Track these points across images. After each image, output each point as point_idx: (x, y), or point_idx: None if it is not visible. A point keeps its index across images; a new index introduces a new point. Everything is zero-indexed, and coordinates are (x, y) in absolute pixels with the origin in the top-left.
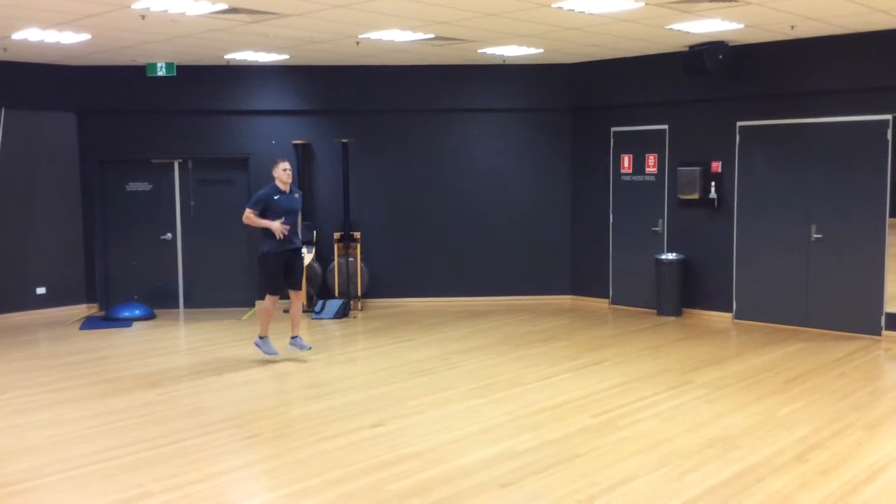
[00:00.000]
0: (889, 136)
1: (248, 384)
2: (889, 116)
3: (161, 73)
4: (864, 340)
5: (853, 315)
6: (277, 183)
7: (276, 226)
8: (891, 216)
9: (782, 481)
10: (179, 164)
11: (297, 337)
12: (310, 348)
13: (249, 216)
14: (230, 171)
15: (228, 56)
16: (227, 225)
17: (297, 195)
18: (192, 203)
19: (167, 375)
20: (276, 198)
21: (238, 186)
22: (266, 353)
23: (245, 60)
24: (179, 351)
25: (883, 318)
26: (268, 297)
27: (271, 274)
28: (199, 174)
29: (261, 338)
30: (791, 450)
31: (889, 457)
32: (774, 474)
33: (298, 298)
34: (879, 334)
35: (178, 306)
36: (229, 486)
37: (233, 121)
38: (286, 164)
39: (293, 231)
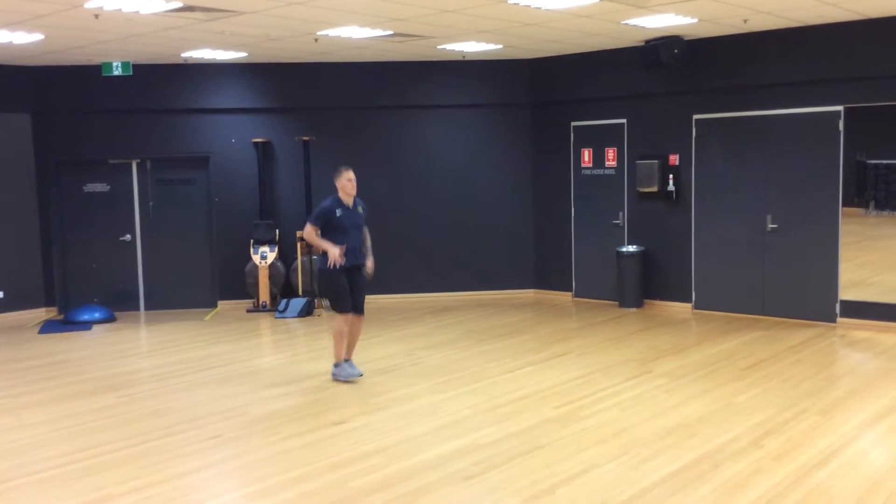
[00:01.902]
0: (841, 127)
1: (210, 385)
2: (841, 107)
3: (117, 72)
4: (819, 328)
5: (809, 303)
6: (341, 195)
7: (335, 254)
8: (844, 206)
9: (738, 467)
10: (137, 164)
11: (349, 361)
12: (361, 374)
13: (311, 234)
14: (190, 171)
15: (185, 54)
16: (188, 225)
17: (360, 209)
18: (152, 203)
19: (128, 378)
20: (338, 213)
21: (198, 186)
22: (347, 377)
23: (203, 58)
24: (141, 353)
25: (838, 306)
26: (338, 317)
27: (337, 290)
28: (158, 174)
29: (336, 365)
30: (747, 436)
31: (842, 441)
32: (730, 460)
33: (361, 322)
34: (834, 321)
35: (138, 308)
36: (192, 487)
37: (191, 119)
38: (351, 174)
39: (358, 247)
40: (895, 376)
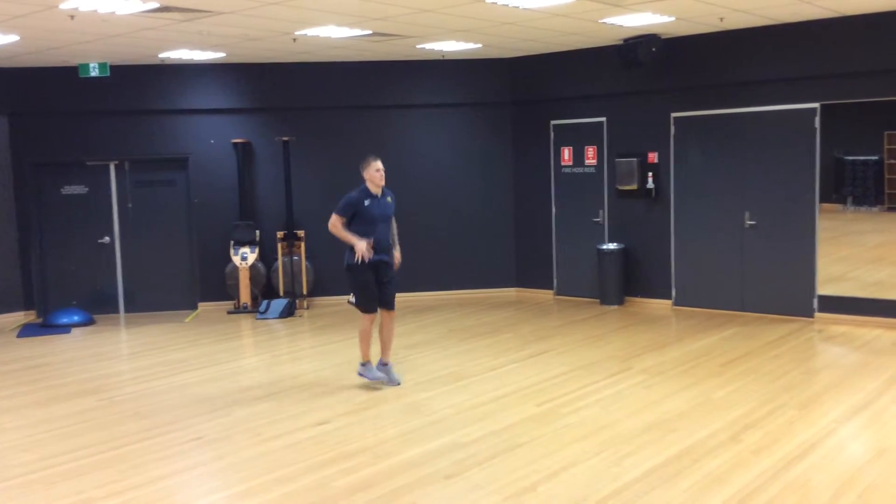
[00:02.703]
0: (817, 124)
1: (191, 387)
2: (817, 104)
3: (94, 73)
4: (797, 323)
5: (787, 298)
6: (369, 185)
7: (362, 247)
8: (822, 202)
9: (717, 461)
10: (116, 165)
11: (388, 365)
12: (399, 383)
13: (336, 224)
14: (169, 172)
15: (163, 55)
16: (168, 226)
17: (389, 198)
18: (130, 205)
19: (108, 381)
20: (366, 203)
21: (177, 187)
22: (372, 378)
23: (180, 59)
24: (120, 356)
25: (815, 301)
26: (363, 316)
27: (363, 288)
28: (137, 175)
29: (363, 364)
30: (726, 431)
31: (819, 434)
32: (710, 455)
33: (391, 318)
34: (812, 316)
35: (118, 311)
36: (172, 490)
37: (170, 120)
38: (379, 164)
39: (386, 240)
40: (872, 370)
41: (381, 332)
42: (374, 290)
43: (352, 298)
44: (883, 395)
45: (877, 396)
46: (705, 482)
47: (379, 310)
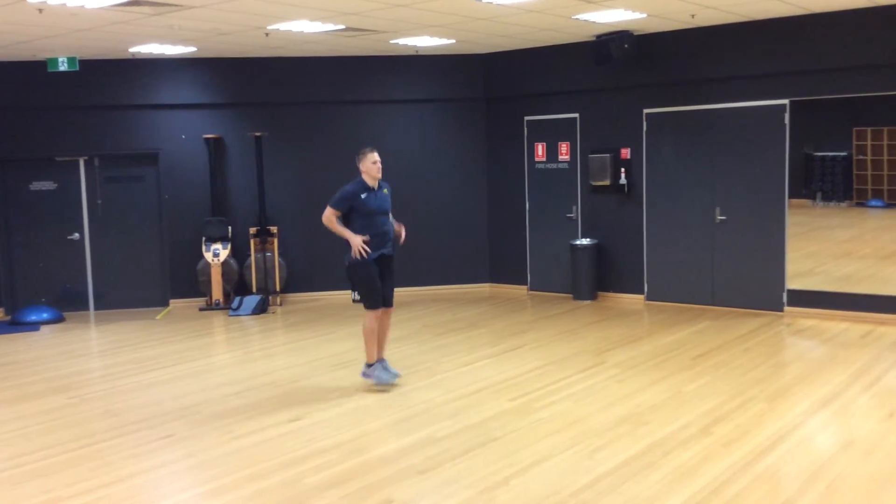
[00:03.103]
0: (786, 120)
1: (162, 385)
2: (786, 101)
3: (63, 67)
4: (767, 317)
5: (757, 293)
6: (365, 178)
7: (357, 243)
8: (791, 197)
9: (688, 454)
10: (85, 161)
11: (383, 360)
12: (399, 375)
13: (331, 218)
14: (139, 168)
15: (133, 49)
16: (138, 223)
17: (386, 190)
18: (100, 201)
19: (78, 379)
20: (363, 196)
21: (148, 183)
22: (379, 381)
23: (151, 53)
24: (90, 354)
25: (785, 295)
26: (369, 313)
27: (367, 285)
28: (107, 171)
29: (368, 365)
30: (697, 424)
31: (788, 427)
32: (680, 448)
33: (389, 316)
34: (782, 310)
35: (87, 308)
36: (143, 488)
37: (140, 115)
38: (376, 156)
39: (385, 233)
40: (840, 363)
41: (378, 330)
42: (378, 286)
43: (356, 296)
44: (850, 388)
45: (844, 389)
46: (676, 474)
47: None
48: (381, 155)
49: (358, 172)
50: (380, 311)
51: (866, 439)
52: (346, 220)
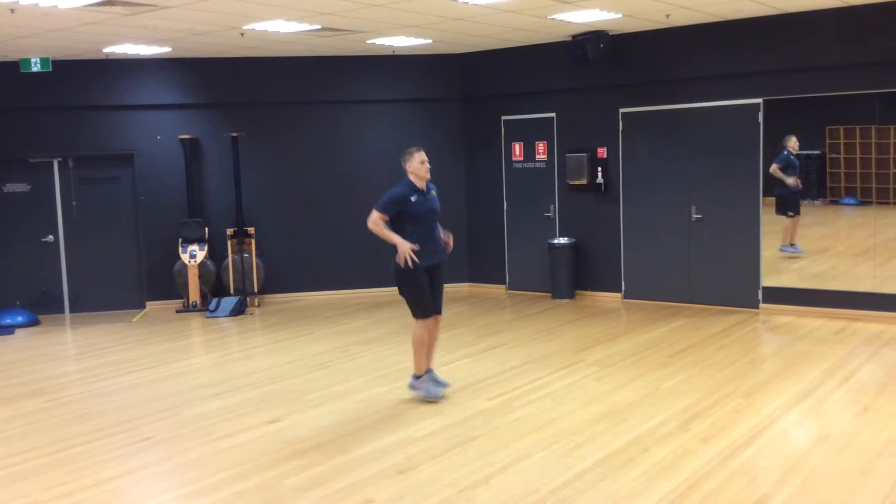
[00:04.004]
0: (760, 119)
1: (140, 387)
2: (760, 100)
3: (36, 68)
4: (743, 314)
5: (733, 290)
6: (412, 178)
7: (406, 249)
8: (765, 196)
9: (666, 450)
10: (59, 162)
11: (430, 371)
12: (447, 385)
13: (378, 222)
14: (114, 169)
15: (107, 49)
16: (114, 224)
17: (434, 192)
18: (75, 203)
19: (54, 382)
20: (412, 199)
21: (123, 184)
22: (427, 394)
23: (126, 54)
24: (66, 357)
25: (760, 292)
26: (418, 323)
27: (417, 294)
28: (81, 172)
29: (416, 377)
30: (674, 420)
31: (765, 422)
32: (659, 444)
33: (438, 324)
34: (757, 307)
35: (63, 311)
36: (121, 491)
37: (115, 116)
38: (423, 155)
39: (436, 239)
40: (815, 359)
41: (427, 339)
42: (428, 295)
43: (405, 304)
44: (825, 383)
45: (819, 384)
46: (654, 470)
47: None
48: (358, 155)
49: (403, 173)
50: (430, 321)
51: (841, 434)
52: (392, 225)
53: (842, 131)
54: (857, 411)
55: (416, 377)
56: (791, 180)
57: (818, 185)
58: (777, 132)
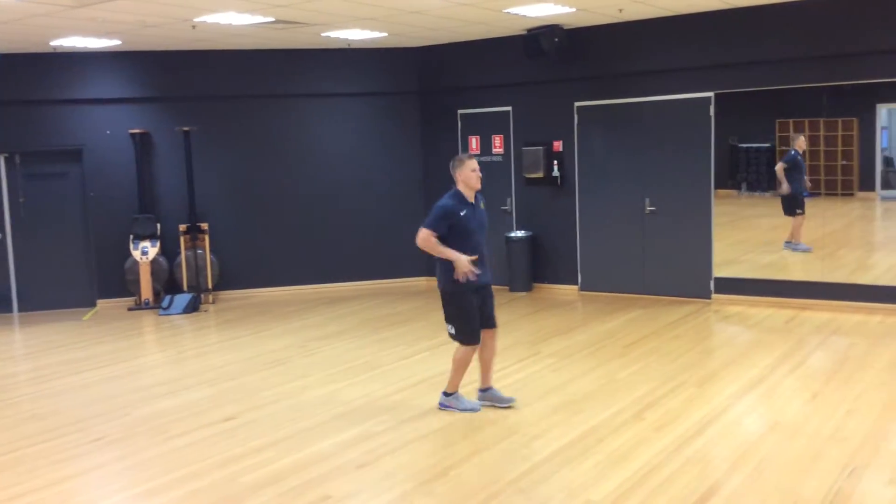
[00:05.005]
0: (712, 112)
1: (92, 386)
2: (711, 93)
3: None
4: (696, 304)
5: (686, 281)
6: (462, 189)
7: (464, 263)
8: (717, 188)
9: (621, 439)
10: (6, 158)
11: (490, 389)
12: (512, 401)
13: (428, 240)
14: (63, 164)
15: (55, 42)
16: (63, 221)
17: (483, 204)
18: (23, 199)
19: (3, 382)
20: (462, 213)
21: (72, 180)
22: (464, 410)
23: (74, 47)
24: (16, 356)
25: (712, 283)
26: (462, 349)
27: (466, 317)
28: (29, 168)
29: (447, 394)
30: (629, 409)
31: (716, 410)
32: (614, 433)
33: (495, 337)
34: (709, 298)
35: (11, 310)
36: (74, 492)
37: (63, 111)
38: (475, 163)
39: (484, 256)
40: (765, 347)
41: (481, 354)
42: (478, 319)
43: (451, 330)
44: (775, 371)
45: (770, 372)
46: (610, 460)
47: (483, 332)
48: (314, 150)
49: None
50: (477, 346)
51: (791, 421)
52: (440, 240)
53: (791, 124)
54: (806, 398)
55: (447, 394)
56: (784, 187)
57: (768, 177)
58: (727, 126)
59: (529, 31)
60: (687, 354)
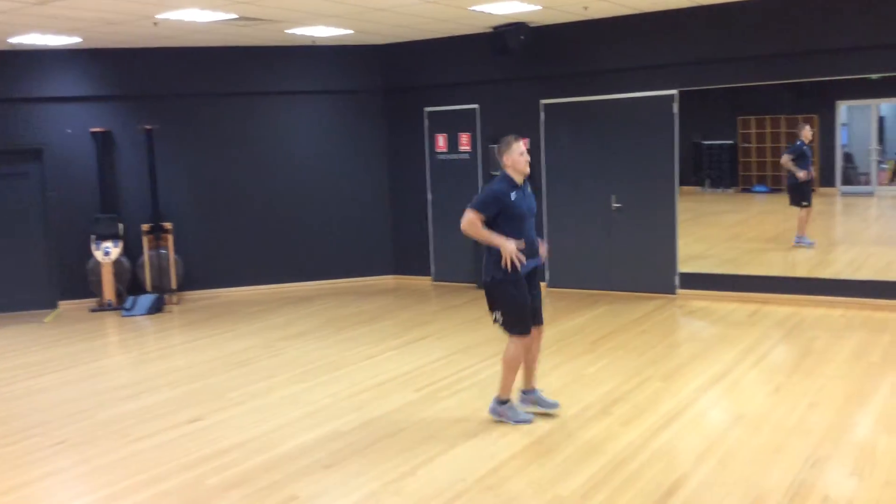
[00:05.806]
0: (675, 110)
1: (52, 390)
2: (675, 91)
3: None
4: (661, 299)
5: (651, 277)
6: (510, 172)
7: (511, 249)
8: (681, 184)
9: (589, 434)
10: None
11: (534, 391)
12: (558, 405)
13: (475, 223)
14: (22, 164)
15: (13, 40)
16: (22, 221)
17: (530, 188)
18: None
19: None
20: (512, 197)
21: (31, 179)
22: (517, 421)
23: (33, 45)
24: None
25: (677, 278)
26: (514, 340)
27: (517, 306)
28: None
29: (500, 402)
30: (597, 405)
31: (682, 404)
32: (582, 428)
33: (540, 336)
34: (674, 293)
35: None
36: (35, 497)
37: (22, 109)
38: (522, 146)
39: (533, 241)
40: (729, 342)
41: (527, 354)
42: (529, 307)
43: (498, 317)
44: (739, 365)
45: (734, 366)
46: (578, 455)
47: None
48: (278, 148)
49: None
50: (529, 338)
51: (755, 413)
52: (487, 226)
53: (753, 121)
54: (770, 391)
55: (500, 402)
56: (802, 173)
57: (731, 173)
58: (690, 123)
59: (496, 28)
60: (653, 349)
